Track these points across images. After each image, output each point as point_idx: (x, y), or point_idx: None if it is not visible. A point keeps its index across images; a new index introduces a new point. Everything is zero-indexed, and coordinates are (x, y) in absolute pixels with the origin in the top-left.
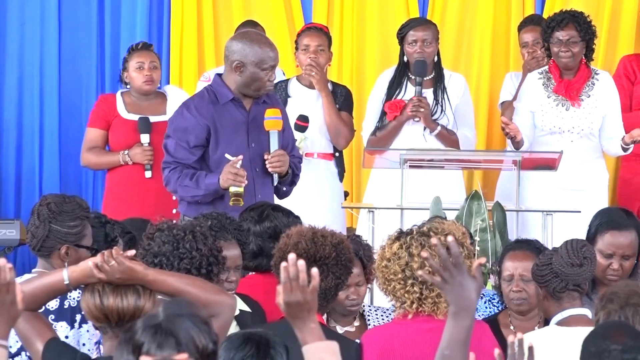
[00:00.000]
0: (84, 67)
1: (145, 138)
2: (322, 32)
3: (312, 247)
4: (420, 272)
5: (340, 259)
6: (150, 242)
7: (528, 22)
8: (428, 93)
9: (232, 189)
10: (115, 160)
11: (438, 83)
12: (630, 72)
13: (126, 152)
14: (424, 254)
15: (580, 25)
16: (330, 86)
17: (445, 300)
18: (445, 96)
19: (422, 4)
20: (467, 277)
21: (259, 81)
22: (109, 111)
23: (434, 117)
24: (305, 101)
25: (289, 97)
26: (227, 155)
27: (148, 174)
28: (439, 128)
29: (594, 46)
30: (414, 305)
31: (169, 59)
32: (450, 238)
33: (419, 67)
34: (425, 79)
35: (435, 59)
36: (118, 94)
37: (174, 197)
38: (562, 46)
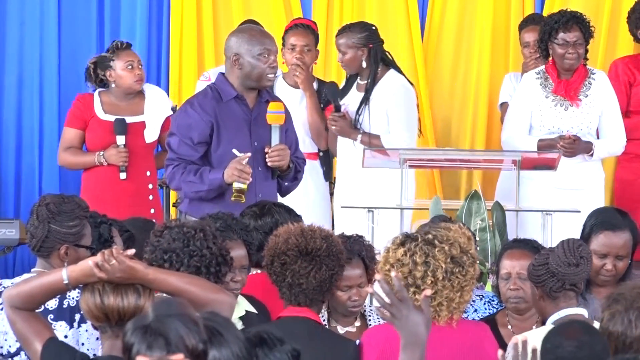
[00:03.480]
0: (83, 66)
1: (120, 139)
2: (309, 31)
3: (302, 241)
4: (373, 308)
5: (331, 250)
6: (159, 239)
7: (529, 22)
8: (358, 97)
9: (235, 185)
10: (90, 161)
11: (368, 89)
12: (630, 74)
13: (101, 153)
14: (369, 289)
15: (584, 26)
16: (316, 84)
17: (447, 308)
18: (367, 102)
19: (421, 3)
20: (413, 311)
21: (257, 69)
22: (86, 111)
23: (361, 122)
24: (290, 100)
25: None
26: (234, 151)
27: (122, 175)
28: (359, 137)
29: (587, 46)
30: None
31: (168, 58)
32: (393, 273)
33: (329, 90)
34: (360, 82)
35: (364, 63)
36: (96, 94)
37: (150, 197)
38: (569, 48)
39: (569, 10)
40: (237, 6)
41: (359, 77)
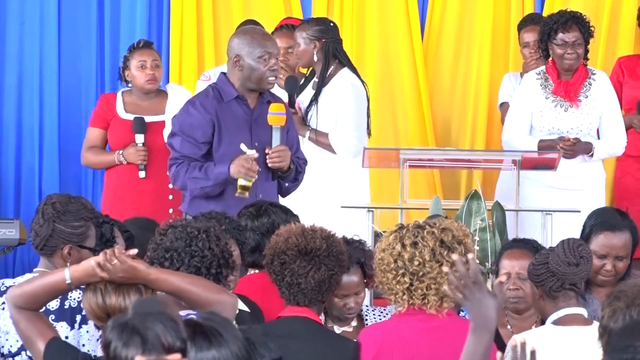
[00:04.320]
0: (83, 66)
1: (139, 138)
2: (292, 31)
3: (302, 240)
4: (444, 288)
5: (331, 250)
6: (162, 238)
7: (528, 22)
8: (311, 95)
9: (240, 181)
10: (111, 160)
11: (318, 86)
12: (620, 73)
13: (121, 151)
14: (445, 268)
15: (583, 26)
16: None
17: (435, 293)
18: (317, 100)
19: (421, 3)
20: (486, 295)
21: (257, 71)
22: (109, 111)
23: (310, 119)
24: None
25: None
26: (242, 146)
27: (141, 174)
28: (307, 133)
29: (588, 46)
30: (405, 297)
31: (168, 58)
32: (470, 255)
33: (287, 84)
34: (316, 79)
35: (315, 57)
36: (119, 94)
37: (170, 197)
38: (567, 48)
39: (568, 10)
40: (237, 6)
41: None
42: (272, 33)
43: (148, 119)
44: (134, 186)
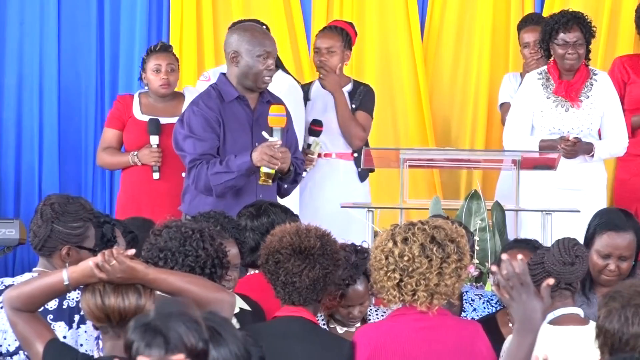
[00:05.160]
0: (83, 66)
1: (154, 140)
2: (336, 32)
3: (297, 239)
4: (493, 287)
5: (325, 249)
6: (157, 238)
7: (528, 22)
8: None
9: (264, 169)
10: (125, 161)
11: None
12: (624, 72)
13: (135, 153)
14: (493, 268)
15: (585, 26)
16: (350, 86)
17: (425, 289)
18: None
19: (421, 3)
20: (532, 297)
21: (254, 69)
22: (125, 112)
23: None
24: (323, 103)
25: (309, 99)
26: (264, 134)
27: (155, 175)
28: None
29: (590, 47)
30: (395, 292)
31: None
32: (520, 256)
33: None
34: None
35: None
36: (136, 95)
37: None
38: (568, 48)
39: (570, 10)
40: (237, 6)
41: None
42: (316, 37)
43: (164, 120)
44: (149, 187)
